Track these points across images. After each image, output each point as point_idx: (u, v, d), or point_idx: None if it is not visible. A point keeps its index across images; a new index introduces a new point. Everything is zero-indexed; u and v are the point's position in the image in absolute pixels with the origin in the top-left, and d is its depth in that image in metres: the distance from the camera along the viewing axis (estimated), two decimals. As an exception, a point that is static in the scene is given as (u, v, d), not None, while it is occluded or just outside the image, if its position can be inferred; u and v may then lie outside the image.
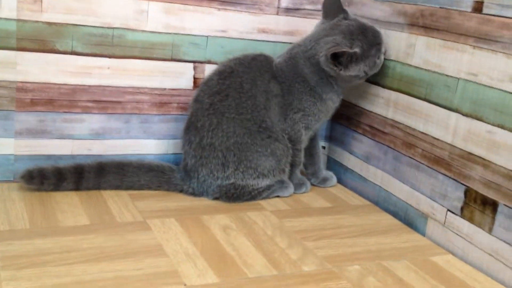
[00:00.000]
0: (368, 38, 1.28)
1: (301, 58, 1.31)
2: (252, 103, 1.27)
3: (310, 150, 1.43)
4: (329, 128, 1.57)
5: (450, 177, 1.16)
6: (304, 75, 1.30)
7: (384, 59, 1.32)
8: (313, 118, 1.33)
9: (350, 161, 1.48)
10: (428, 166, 1.22)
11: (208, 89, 1.29)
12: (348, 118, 1.48)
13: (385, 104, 1.35)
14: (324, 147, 1.56)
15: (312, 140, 1.43)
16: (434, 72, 1.21)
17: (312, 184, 1.44)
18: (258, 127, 1.27)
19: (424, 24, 1.24)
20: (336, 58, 1.25)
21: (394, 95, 1.32)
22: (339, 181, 1.50)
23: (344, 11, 1.32)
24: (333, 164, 1.54)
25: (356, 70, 1.27)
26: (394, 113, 1.32)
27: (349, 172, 1.48)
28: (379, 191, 1.37)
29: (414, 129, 1.26)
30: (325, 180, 1.46)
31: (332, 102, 1.35)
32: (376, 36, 1.29)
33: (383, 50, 1.30)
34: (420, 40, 1.25)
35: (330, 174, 1.48)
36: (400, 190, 1.30)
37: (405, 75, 1.29)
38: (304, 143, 1.38)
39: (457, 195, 1.14)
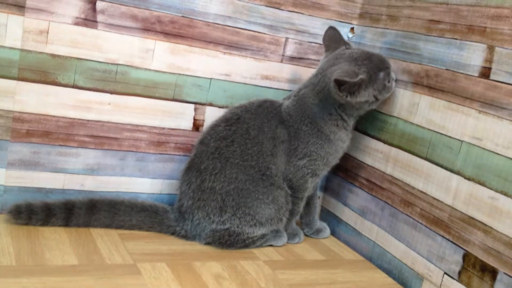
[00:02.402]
0: (374, 62, 1.26)
1: (309, 97, 1.29)
2: (258, 149, 1.26)
3: (308, 199, 1.41)
4: (325, 179, 1.55)
5: (448, 240, 1.14)
6: (312, 116, 1.28)
7: (385, 114, 1.32)
8: (321, 162, 1.31)
9: (344, 213, 1.47)
10: (426, 226, 1.20)
11: (215, 133, 1.28)
12: (345, 170, 1.47)
13: (384, 159, 1.34)
14: (318, 197, 1.55)
15: (314, 187, 1.41)
16: (437, 132, 1.21)
17: (305, 234, 1.42)
18: (261, 174, 1.26)
19: (428, 84, 1.24)
20: (340, 85, 1.21)
21: (394, 151, 1.32)
22: (332, 232, 1.48)
23: (345, 43, 1.32)
24: (326, 215, 1.52)
25: (366, 96, 1.24)
26: (393, 169, 1.31)
27: (343, 225, 1.47)
28: (374, 247, 1.35)
29: (413, 187, 1.25)
30: (318, 231, 1.44)
31: (342, 142, 1.32)
32: (382, 60, 1.27)
33: (392, 75, 1.29)
34: (423, 99, 1.25)
35: (324, 225, 1.46)
36: (395, 248, 1.28)
37: (406, 132, 1.29)
38: (308, 192, 1.35)
39: (455, 259, 1.13)
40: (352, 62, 1.26)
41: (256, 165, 1.26)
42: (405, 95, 1.30)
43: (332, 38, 1.33)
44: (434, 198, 1.19)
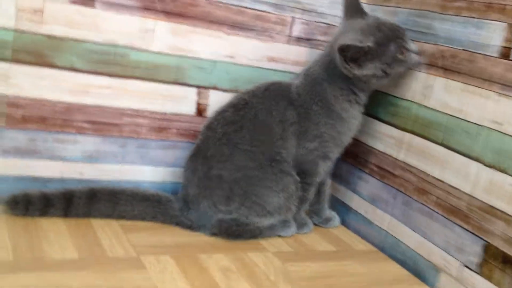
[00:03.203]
0: (384, 32, 1.17)
1: (319, 73, 1.24)
2: (267, 134, 1.20)
3: (319, 186, 1.35)
4: (333, 165, 1.49)
5: (467, 230, 1.09)
6: (323, 93, 1.22)
7: (398, 98, 1.26)
8: (333, 143, 1.25)
9: (354, 201, 1.41)
10: (443, 216, 1.15)
11: (222, 119, 1.22)
12: (354, 156, 1.41)
13: (396, 145, 1.28)
14: (326, 184, 1.49)
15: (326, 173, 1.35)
16: (453, 116, 1.15)
17: (314, 223, 1.36)
18: (271, 160, 1.20)
19: (444, 65, 1.18)
20: (345, 54, 1.15)
21: (407, 136, 1.26)
22: (342, 221, 1.42)
23: (363, 12, 1.25)
24: (335, 203, 1.47)
25: (372, 68, 1.17)
26: (406, 155, 1.25)
27: (352, 213, 1.41)
28: (386, 237, 1.29)
29: (428, 175, 1.19)
30: (328, 220, 1.38)
31: (354, 119, 1.26)
32: (395, 30, 1.19)
33: (409, 46, 1.19)
34: (438, 81, 1.19)
35: (333, 214, 1.41)
36: (409, 238, 1.23)
37: (420, 116, 1.23)
38: (319, 177, 1.29)
39: (474, 250, 1.07)
40: (360, 31, 1.19)
41: (266, 151, 1.20)
42: (419, 77, 1.24)
43: (350, 5, 1.26)
44: (451, 186, 1.13)
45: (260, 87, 1.25)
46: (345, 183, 1.45)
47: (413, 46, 1.21)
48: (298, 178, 1.24)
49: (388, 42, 1.18)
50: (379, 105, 1.34)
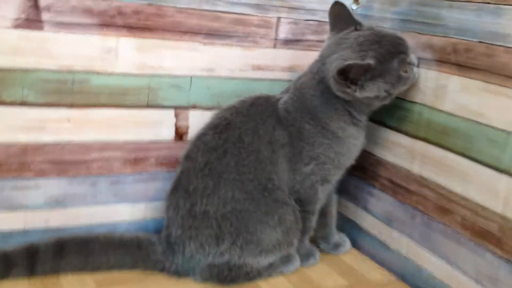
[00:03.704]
0: (385, 47, 1.00)
1: (309, 88, 1.07)
2: (255, 159, 1.04)
3: (324, 208, 1.18)
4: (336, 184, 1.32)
5: (501, 257, 0.91)
6: (314, 110, 1.06)
7: (407, 101, 1.08)
8: (331, 165, 1.08)
9: (366, 221, 1.23)
10: (471, 240, 0.97)
11: (202, 145, 1.05)
12: (362, 169, 1.24)
13: (409, 155, 1.11)
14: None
15: (328, 197, 1.18)
16: (473, 121, 0.97)
17: (321, 250, 1.19)
18: (262, 189, 1.03)
19: (457, 61, 1.00)
20: (345, 76, 0.98)
21: (420, 145, 1.08)
22: (353, 243, 1.25)
23: (355, 22, 1.06)
24: (344, 223, 1.29)
25: (375, 90, 1.01)
26: (421, 167, 1.08)
27: (365, 235, 1.24)
28: (405, 263, 1.12)
29: (449, 191, 1.02)
30: (337, 246, 1.21)
31: (354, 139, 1.09)
32: (397, 43, 1.02)
33: (411, 60, 1.03)
34: (453, 80, 1.01)
35: (343, 238, 1.24)
36: (433, 265, 1.05)
37: (434, 122, 1.05)
38: (319, 203, 1.13)
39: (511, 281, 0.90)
40: (357, 46, 1.01)
41: (255, 178, 1.03)
42: (429, 76, 1.06)
43: (338, 17, 1.08)
44: (478, 204, 0.96)
45: (243, 103, 1.09)
46: (354, 199, 1.27)
47: (414, 59, 1.04)
48: (297, 206, 1.07)
49: (391, 58, 1.00)
50: (385, 110, 1.16)
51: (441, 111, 1.03)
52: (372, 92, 1.01)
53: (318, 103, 1.05)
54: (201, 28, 1.12)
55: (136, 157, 1.12)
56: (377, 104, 1.06)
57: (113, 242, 1.05)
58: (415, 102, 1.09)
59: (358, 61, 0.99)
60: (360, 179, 1.25)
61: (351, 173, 1.24)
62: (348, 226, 1.28)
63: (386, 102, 1.05)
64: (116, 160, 1.11)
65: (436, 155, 1.04)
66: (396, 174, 1.14)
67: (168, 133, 1.14)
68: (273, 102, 1.08)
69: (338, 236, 1.23)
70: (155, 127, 1.13)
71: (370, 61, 0.99)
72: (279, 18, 1.18)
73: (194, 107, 1.15)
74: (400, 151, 1.13)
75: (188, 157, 1.06)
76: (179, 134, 1.15)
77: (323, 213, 1.18)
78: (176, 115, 1.14)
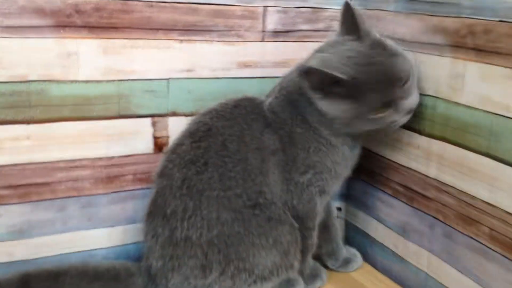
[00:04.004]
0: (374, 73, 0.84)
1: (296, 87, 0.92)
2: (242, 169, 0.89)
3: (324, 220, 1.04)
4: (345, 183, 1.16)
5: (541, 277, 0.76)
6: (303, 112, 0.92)
7: (421, 94, 0.92)
8: (329, 175, 0.93)
9: (378, 231, 1.08)
10: (502, 255, 0.82)
11: (178, 158, 0.91)
12: (370, 173, 1.09)
13: (424, 157, 0.95)
14: (340, 209, 1.17)
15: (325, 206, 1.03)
16: (499, 115, 0.81)
17: (328, 268, 1.05)
18: (253, 205, 0.89)
19: (475, 45, 0.84)
20: (309, 78, 0.86)
21: (436, 145, 0.93)
22: (364, 257, 1.10)
23: (361, 30, 0.89)
24: (353, 233, 1.15)
25: (339, 110, 0.87)
26: (439, 170, 0.92)
27: (378, 247, 1.09)
28: (426, 280, 0.97)
29: (473, 197, 0.86)
30: (347, 262, 1.07)
31: (349, 148, 0.94)
32: (393, 72, 0.85)
33: (403, 106, 0.86)
34: (471, 68, 0.85)
35: (352, 252, 1.09)
36: (457, 283, 0.90)
37: (452, 117, 0.89)
38: (319, 217, 0.98)
39: (557, 308, 0.74)
40: (344, 57, 0.86)
41: (243, 193, 0.89)
42: (442, 63, 0.90)
43: (346, 19, 0.91)
44: (508, 213, 0.80)
45: (225, 105, 0.94)
46: (364, 207, 1.12)
47: (412, 99, 0.88)
48: (294, 223, 0.92)
49: (371, 89, 0.84)
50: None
51: (458, 104, 0.88)
52: (335, 110, 0.87)
53: (306, 103, 0.90)
54: (176, 24, 0.97)
55: (109, 174, 0.98)
56: (338, 128, 0.90)
57: (87, 274, 0.91)
58: (428, 95, 0.93)
59: (329, 70, 0.83)
60: (369, 184, 1.10)
61: (357, 177, 1.09)
62: (358, 237, 1.13)
63: (349, 130, 0.90)
64: (86, 180, 0.97)
65: (455, 156, 0.89)
66: (411, 178, 0.99)
67: (145, 145, 1.00)
68: (258, 103, 0.94)
69: (346, 251, 1.08)
70: (130, 139, 0.99)
71: (344, 77, 0.83)
72: (265, 7, 1.03)
73: (173, 114, 1.01)
74: (414, 152, 0.98)
75: (162, 174, 0.92)
76: (158, 146, 1.01)
77: (325, 227, 1.04)
78: (153, 124, 1.00)
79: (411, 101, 0.87)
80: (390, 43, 0.89)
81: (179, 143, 0.92)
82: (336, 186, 0.97)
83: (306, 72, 0.85)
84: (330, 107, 0.87)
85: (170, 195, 0.89)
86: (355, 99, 0.84)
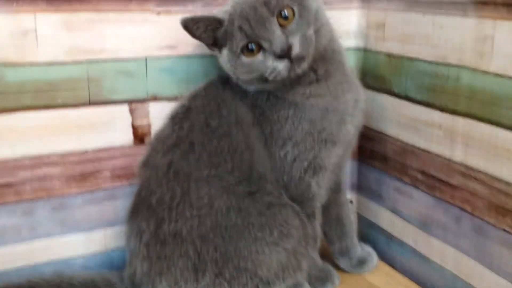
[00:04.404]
0: (246, 3, 0.74)
1: None
2: (228, 145, 0.78)
3: (337, 211, 0.91)
4: (355, 171, 1.03)
5: None
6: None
7: (434, 63, 0.78)
8: (313, 142, 0.79)
9: (395, 226, 0.95)
10: (547, 253, 0.68)
11: (161, 144, 0.79)
12: (384, 159, 0.95)
13: (447, 138, 0.81)
14: (351, 202, 1.03)
15: (336, 195, 0.90)
16: (538, 82, 0.67)
17: (341, 269, 0.91)
18: (247, 181, 0.77)
19: (505, 0, 0.70)
20: (189, 30, 0.76)
21: (462, 123, 0.79)
22: (381, 256, 0.96)
23: None
24: (367, 228, 1.01)
25: (224, 58, 0.78)
26: (466, 153, 0.78)
27: (396, 244, 0.95)
28: (454, 281, 0.83)
29: (508, 184, 0.72)
30: (361, 262, 0.93)
31: (322, 98, 0.79)
32: (259, 4, 0.73)
33: (268, 46, 0.73)
34: (501, 28, 0.71)
35: (367, 250, 0.96)
36: (490, 284, 0.76)
37: (479, 89, 0.75)
38: (318, 200, 0.84)
39: None
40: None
41: (234, 169, 0.77)
42: (466, 25, 0.76)
43: None
44: (554, 202, 0.66)
45: (201, 85, 0.83)
46: (378, 198, 0.98)
47: (279, 45, 0.72)
48: (296, 207, 0.79)
49: (239, 26, 0.74)
50: (405, 77, 0.87)
51: (487, 73, 0.74)
52: (222, 61, 0.78)
53: None
54: (152, -8, 0.84)
55: (82, 171, 0.85)
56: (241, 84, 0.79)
57: (61, 287, 0.79)
58: (449, 65, 0.79)
59: (202, 15, 0.77)
60: (383, 171, 0.96)
61: (368, 163, 0.95)
62: (373, 232, 1.00)
63: (245, 84, 0.79)
64: (56, 178, 0.84)
65: (485, 135, 0.75)
66: (432, 163, 0.85)
67: (123, 136, 0.87)
68: (226, 76, 0.81)
69: (361, 249, 0.94)
70: (105, 129, 0.86)
71: (218, 16, 0.76)
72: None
73: (154, 98, 0.88)
74: (435, 133, 0.84)
75: (145, 164, 0.80)
76: (139, 136, 0.88)
77: (337, 219, 0.91)
78: (131, 111, 0.87)
79: (281, 43, 0.72)
80: None
81: (160, 129, 0.81)
82: (333, 156, 0.81)
83: (183, 25, 0.75)
84: (221, 59, 0.78)
85: (155, 184, 0.77)
86: (230, 40, 0.75)
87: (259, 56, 0.74)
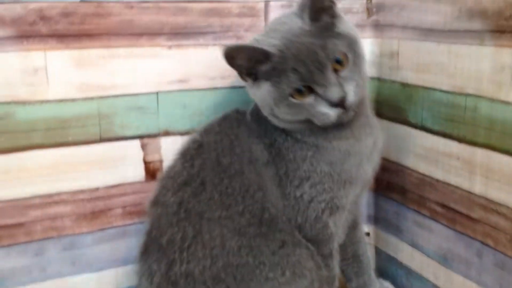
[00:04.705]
0: (302, 46, 0.70)
1: None
2: (240, 185, 0.75)
3: (354, 248, 0.89)
4: (372, 203, 1.01)
5: None
6: None
7: (451, 93, 0.76)
8: (332, 183, 0.77)
9: (415, 260, 0.92)
10: None
11: (172, 181, 0.77)
12: (402, 191, 0.93)
13: (466, 169, 0.79)
14: (368, 234, 1.00)
15: (352, 231, 0.88)
16: (560, 113, 0.65)
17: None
18: (258, 223, 0.74)
19: (524, 27, 0.68)
20: (231, 60, 0.73)
21: (481, 154, 0.76)
22: (399, 289, 0.94)
23: (310, 8, 0.72)
24: (385, 262, 0.98)
25: (264, 93, 0.74)
26: (486, 185, 0.76)
27: (414, 278, 0.92)
28: (477, 320, 0.80)
29: (532, 217, 0.70)
30: (380, 299, 0.90)
31: (345, 140, 0.77)
32: (318, 52, 0.70)
33: (324, 93, 0.71)
34: (520, 56, 0.69)
35: (386, 286, 0.93)
36: (518, 323, 0.73)
37: (498, 120, 0.73)
38: (336, 240, 0.81)
39: None
40: (278, 33, 0.73)
41: (245, 210, 0.75)
42: (484, 54, 0.74)
43: None
44: None
45: (215, 120, 0.81)
46: (396, 231, 0.96)
47: (335, 93, 0.70)
48: (311, 247, 0.77)
49: (293, 68, 0.70)
50: (421, 107, 0.86)
51: (506, 103, 0.72)
52: (259, 95, 0.75)
53: None
54: (163, 27, 0.83)
55: (93, 209, 0.84)
56: (274, 121, 0.77)
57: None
58: (466, 94, 0.77)
59: (249, 44, 0.73)
60: (401, 204, 0.93)
61: (386, 195, 0.93)
62: (391, 268, 0.97)
63: (281, 123, 0.76)
64: (66, 217, 0.82)
65: (506, 167, 0.73)
66: (451, 196, 0.82)
67: (135, 172, 0.86)
68: (242, 112, 0.81)
69: (379, 285, 0.92)
70: (116, 166, 0.84)
71: (267, 50, 0.71)
72: (267, 2, 0.89)
73: (166, 133, 0.86)
74: (453, 164, 0.81)
75: (155, 202, 0.78)
76: (151, 172, 0.86)
77: (355, 256, 0.88)
78: (143, 147, 0.85)
79: (338, 91, 0.70)
80: (347, 26, 0.74)
81: (172, 166, 0.79)
82: (350, 196, 0.80)
83: (225, 53, 0.71)
84: (257, 92, 0.75)
85: (166, 223, 0.75)
86: (278, 77, 0.71)
87: (310, 99, 0.71)
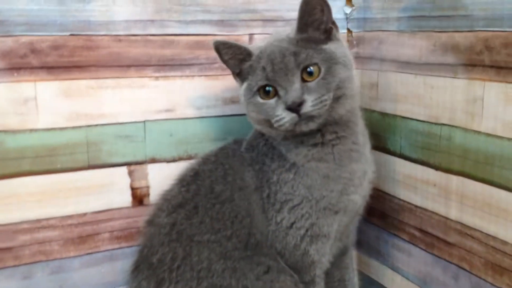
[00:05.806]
0: (275, 49, 0.75)
1: None
2: (229, 211, 0.78)
3: (341, 274, 0.91)
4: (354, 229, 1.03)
5: None
6: (268, 137, 0.81)
7: (427, 122, 0.79)
8: (311, 208, 0.78)
9: (395, 283, 0.94)
10: (545, 314, 0.67)
11: (167, 203, 0.80)
12: (382, 216, 0.95)
13: (442, 196, 0.82)
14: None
15: (341, 257, 0.90)
16: (529, 142, 0.68)
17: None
18: (243, 247, 0.77)
19: (493, 62, 0.72)
20: (221, 55, 0.78)
21: (456, 182, 0.79)
22: (382, 313, 0.96)
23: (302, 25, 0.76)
24: (367, 285, 1.00)
25: (243, 89, 0.78)
26: (461, 211, 0.79)
27: (396, 302, 0.94)
28: None
29: (504, 242, 0.73)
30: (362, 323, 0.92)
31: (324, 163, 0.78)
32: (287, 56, 0.74)
33: (284, 97, 0.73)
34: (490, 89, 0.73)
35: (368, 310, 0.95)
36: None
37: (471, 149, 0.76)
38: (319, 268, 0.82)
39: None
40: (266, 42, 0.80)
41: (233, 235, 0.77)
42: (457, 86, 0.78)
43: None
44: (550, 262, 0.66)
45: (214, 149, 0.84)
46: (377, 255, 0.98)
47: (292, 98, 0.72)
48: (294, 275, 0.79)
49: (262, 67, 0.75)
50: (401, 136, 0.88)
51: (478, 132, 0.75)
52: (240, 94, 0.79)
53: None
54: (150, 59, 0.86)
55: (81, 234, 0.86)
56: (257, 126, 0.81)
57: None
58: (442, 124, 0.81)
59: (233, 42, 0.77)
60: (382, 228, 0.96)
61: (368, 220, 0.96)
62: (372, 290, 0.99)
63: (256, 124, 0.80)
64: (54, 242, 0.85)
65: (479, 194, 0.76)
66: (428, 221, 0.85)
67: (122, 198, 0.88)
68: (240, 142, 0.84)
69: (362, 309, 0.94)
70: (104, 192, 0.87)
71: (249, 49, 0.77)
72: (251, 35, 0.92)
73: (153, 160, 0.89)
74: (431, 191, 0.84)
75: (150, 222, 0.80)
76: (138, 197, 0.89)
77: (339, 280, 0.91)
78: (130, 174, 0.88)
79: (296, 96, 0.72)
80: (340, 50, 0.77)
81: (169, 189, 0.82)
82: (334, 224, 0.80)
83: (214, 47, 0.76)
84: (241, 92, 0.79)
85: (158, 243, 0.77)
86: (252, 75, 0.76)
87: (272, 101, 0.74)
